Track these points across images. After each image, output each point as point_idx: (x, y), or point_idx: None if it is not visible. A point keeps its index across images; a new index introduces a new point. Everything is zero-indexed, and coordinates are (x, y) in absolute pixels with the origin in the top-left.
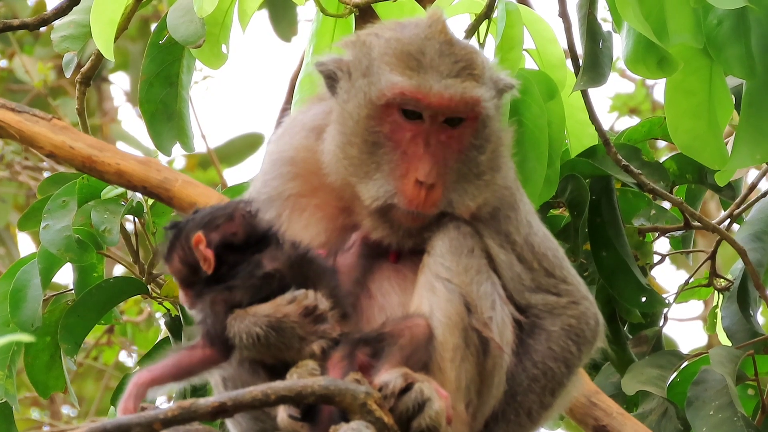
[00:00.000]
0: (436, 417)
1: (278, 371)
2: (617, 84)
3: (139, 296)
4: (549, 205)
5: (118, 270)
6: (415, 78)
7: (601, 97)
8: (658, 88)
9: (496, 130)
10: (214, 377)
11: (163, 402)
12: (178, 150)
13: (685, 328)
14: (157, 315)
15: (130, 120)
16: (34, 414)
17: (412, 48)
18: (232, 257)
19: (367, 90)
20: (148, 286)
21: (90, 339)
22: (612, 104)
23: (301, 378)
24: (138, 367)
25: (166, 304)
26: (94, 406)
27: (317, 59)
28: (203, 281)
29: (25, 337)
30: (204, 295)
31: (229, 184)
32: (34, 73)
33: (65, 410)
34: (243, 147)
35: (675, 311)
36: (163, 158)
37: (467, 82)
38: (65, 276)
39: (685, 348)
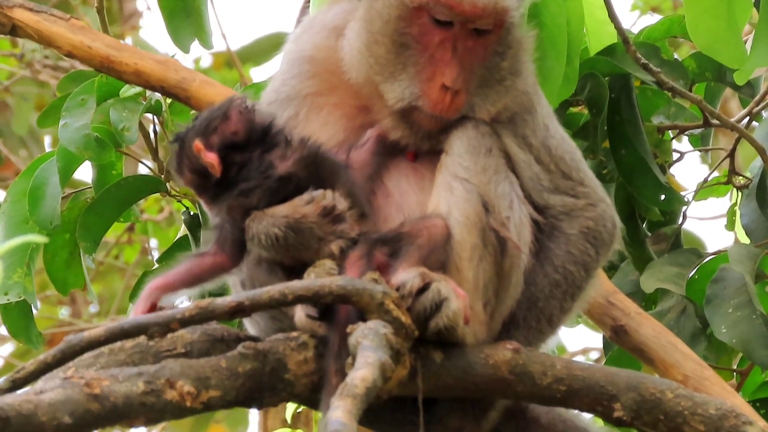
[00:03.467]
0: (453, 316)
1: (296, 271)
2: None
3: (158, 194)
4: (568, 104)
5: (138, 169)
6: None
7: None
8: None
9: (519, 37)
10: (231, 278)
11: (182, 302)
12: (198, 49)
13: (711, 226)
14: (180, 212)
15: (152, 28)
16: (62, 312)
17: None
18: (238, 157)
19: None
20: (167, 184)
21: (110, 237)
22: (633, 3)
23: (319, 278)
24: (158, 264)
25: (185, 201)
26: (115, 305)
27: None
28: (216, 185)
29: (39, 239)
30: (220, 200)
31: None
32: None
33: (92, 309)
34: (268, 47)
35: (701, 210)
36: (186, 58)
37: None
38: (85, 174)
39: (712, 247)
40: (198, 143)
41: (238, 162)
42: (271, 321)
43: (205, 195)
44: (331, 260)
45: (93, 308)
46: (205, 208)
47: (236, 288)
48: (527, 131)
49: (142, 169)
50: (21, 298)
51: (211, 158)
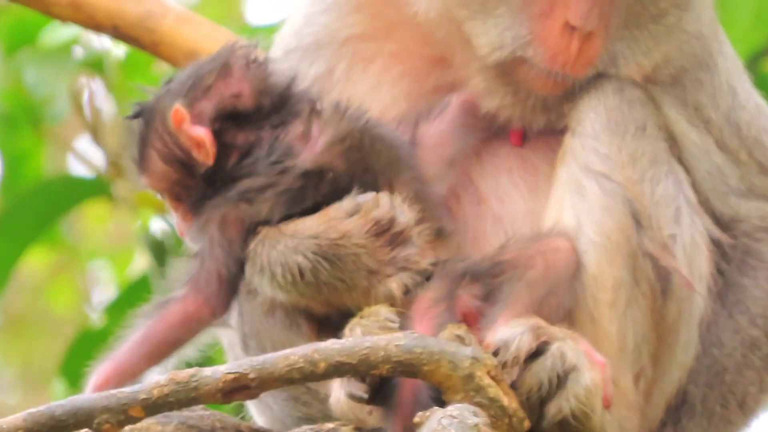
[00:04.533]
0: (585, 397)
1: (331, 325)
2: None
3: (101, 201)
4: (762, 55)
5: (68, 163)
6: None
7: None
8: None
9: None
10: (226, 335)
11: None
12: None
13: None
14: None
15: None
16: None
17: None
18: (240, 136)
19: None
20: (114, 186)
21: (28, 270)
22: None
23: (369, 334)
24: (102, 317)
25: (145, 211)
26: (38, 375)
27: None
28: (203, 182)
29: None
30: (207, 208)
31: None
32: None
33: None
34: None
35: None
36: None
37: None
38: None
39: None
40: (179, 109)
41: (240, 144)
42: (292, 404)
43: (183, 200)
44: (389, 306)
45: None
46: (178, 223)
47: (234, 351)
48: (703, 98)
49: (75, 165)
50: None
51: (199, 134)
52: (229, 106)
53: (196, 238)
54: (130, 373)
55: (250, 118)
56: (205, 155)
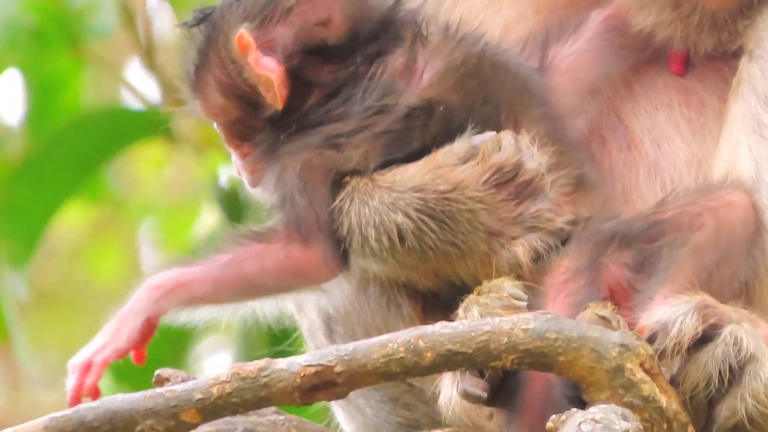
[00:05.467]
0: (766, 396)
1: (440, 304)
2: None
3: (156, 141)
4: None
5: (117, 93)
6: None
7: None
8: None
9: None
10: (306, 314)
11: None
12: None
13: None
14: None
15: None
16: None
17: None
18: (326, 71)
19: None
20: (174, 122)
21: (64, 230)
22: None
23: (489, 316)
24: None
25: (212, 158)
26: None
27: None
28: (272, 128)
29: None
30: (280, 155)
31: None
32: None
33: (32, 371)
34: None
35: None
36: None
37: None
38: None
39: None
40: (244, 35)
41: (324, 82)
42: (390, 407)
43: (245, 140)
44: (514, 279)
45: (32, 370)
46: (237, 166)
47: (315, 338)
48: None
49: (124, 95)
50: None
51: (267, 70)
52: (314, 37)
53: (271, 186)
54: (192, 293)
55: (340, 50)
56: (273, 97)
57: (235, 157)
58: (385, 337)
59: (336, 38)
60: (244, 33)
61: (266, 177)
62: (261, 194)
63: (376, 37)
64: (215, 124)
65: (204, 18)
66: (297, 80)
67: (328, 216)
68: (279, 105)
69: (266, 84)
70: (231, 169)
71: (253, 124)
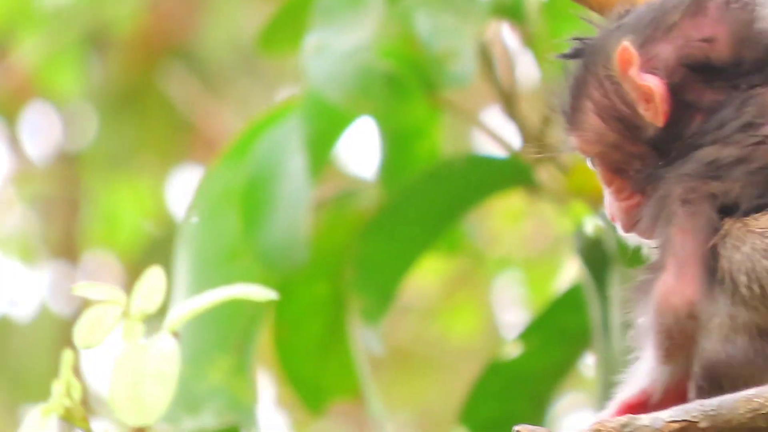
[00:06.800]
0: None
1: None
2: None
3: (515, 192)
4: None
5: (473, 141)
6: None
7: None
8: None
9: None
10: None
11: None
12: None
13: None
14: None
15: None
16: None
17: None
18: (708, 93)
19: None
20: (533, 173)
21: (415, 287)
22: None
23: None
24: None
25: (574, 209)
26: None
27: None
28: (649, 153)
29: (264, 294)
30: (660, 185)
31: None
32: None
33: None
34: None
35: None
36: None
37: None
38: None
39: None
40: (627, 49)
41: (706, 105)
42: None
43: (620, 173)
44: None
45: (385, 429)
46: (609, 204)
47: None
48: None
49: (482, 144)
50: (226, 419)
51: (648, 83)
52: (697, 54)
53: (649, 225)
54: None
55: (723, 73)
56: (654, 113)
57: (608, 197)
58: (751, 391)
59: (720, 59)
60: (626, 46)
61: (644, 213)
62: (634, 239)
63: (762, 67)
64: (589, 160)
65: (583, 47)
66: (678, 100)
67: (708, 252)
68: (659, 122)
69: (647, 96)
70: (595, 219)
71: (631, 150)
